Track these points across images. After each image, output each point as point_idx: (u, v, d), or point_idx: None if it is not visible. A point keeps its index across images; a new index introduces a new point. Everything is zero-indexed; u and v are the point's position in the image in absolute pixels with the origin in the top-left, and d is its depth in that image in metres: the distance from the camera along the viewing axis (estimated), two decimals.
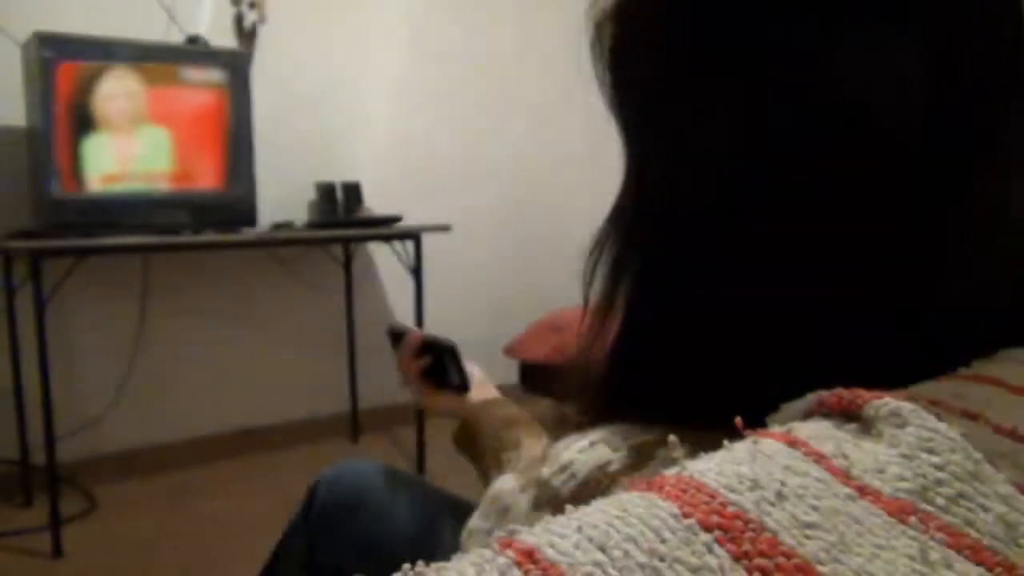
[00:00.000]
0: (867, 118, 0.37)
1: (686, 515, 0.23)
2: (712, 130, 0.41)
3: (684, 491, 0.24)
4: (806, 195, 0.38)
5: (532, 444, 0.89)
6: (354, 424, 3.20)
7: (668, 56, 0.44)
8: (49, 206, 2.26)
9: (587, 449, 0.45)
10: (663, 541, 0.22)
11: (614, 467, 0.43)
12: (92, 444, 2.68)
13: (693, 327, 0.43)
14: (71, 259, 2.38)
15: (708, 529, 0.22)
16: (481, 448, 0.91)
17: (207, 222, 2.51)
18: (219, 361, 2.95)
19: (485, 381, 1.03)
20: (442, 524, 0.90)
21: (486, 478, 0.91)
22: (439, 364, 1.02)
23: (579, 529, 0.23)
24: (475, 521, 0.58)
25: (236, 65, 2.61)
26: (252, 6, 2.91)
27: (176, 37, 2.72)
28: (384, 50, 3.30)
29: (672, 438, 0.28)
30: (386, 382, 3.32)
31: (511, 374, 3.34)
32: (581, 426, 0.50)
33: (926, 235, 0.38)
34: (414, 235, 2.84)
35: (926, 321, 0.39)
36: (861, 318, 0.38)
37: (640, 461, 0.43)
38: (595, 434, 0.46)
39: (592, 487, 0.44)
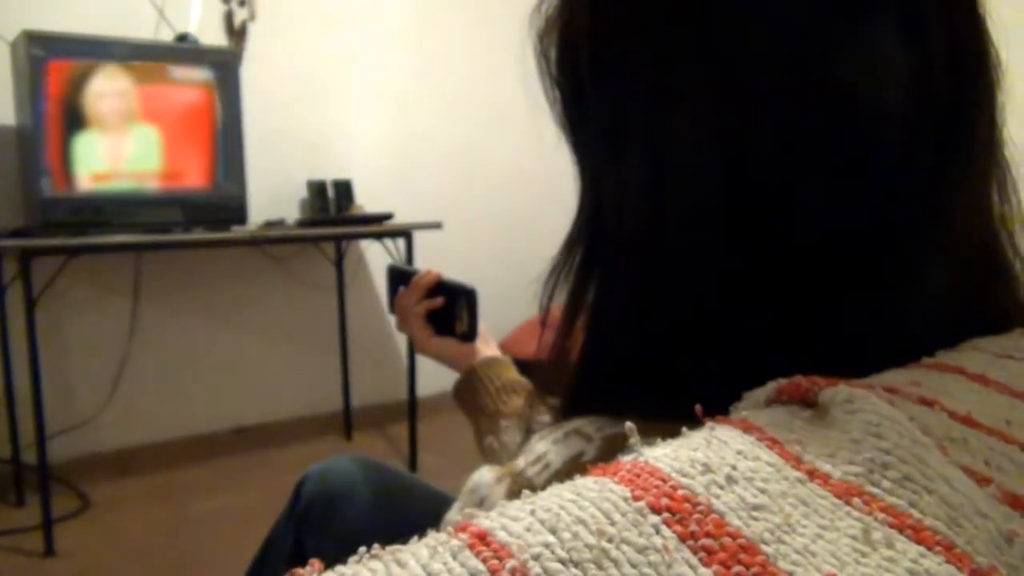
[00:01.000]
0: (847, 118, 0.37)
1: (636, 498, 0.23)
2: (680, 137, 0.40)
3: (638, 475, 0.25)
4: (783, 206, 0.38)
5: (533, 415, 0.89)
6: (347, 422, 3.20)
7: (624, 70, 0.41)
8: (39, 205, 2.25)
9: (561, 440, 0.46)
10: (612, 523, 0.22)
11: (587, 457, 0.44)
12: (84, 443, 2.68)
13: (660, 324, 0.44)
14: (62, 258, 2.38)
15: (657, 511, 0.23)
16: (480, 406, 0.91)
17: (198, 220, 2.51)
18: (212, 359, 2.95)
19: (488, 337, 1.01)
20: (427, 519, 0.90)
21: (481, 437, 0.91)
22: (449, 308, 0.99)
23: (532, 512, 0.23)
24: (453, 513, 0.58)
25: (226, 63, 2.61)
26: (242, 4, 2.91)
27: (166, 35, 2.72)
28: (375, 47, 3.30)
29: (629, 425, 0.29)
30: (379, 380, 3.34)
31: None
32: (556, 418, 0.50)
33: (898, 234, 0.39)
34: (405, 233, 2.84)
35: (895, 317, 0.39)
36: (829, 313, 0.39)
37: (612, 452, 0.43)
38: (569, 425, 0.46)
39: (565, 477, 0.44)
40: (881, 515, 0.23)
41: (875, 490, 0.24)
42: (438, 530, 0.26)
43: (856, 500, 0.24)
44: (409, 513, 0.93)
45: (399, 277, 1.04)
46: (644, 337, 0.44)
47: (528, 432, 0.74)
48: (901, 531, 0.23)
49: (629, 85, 0.41)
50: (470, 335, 0.98)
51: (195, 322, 2.91)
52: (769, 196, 0.38)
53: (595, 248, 0.46)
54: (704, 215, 0.40)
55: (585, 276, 0.47)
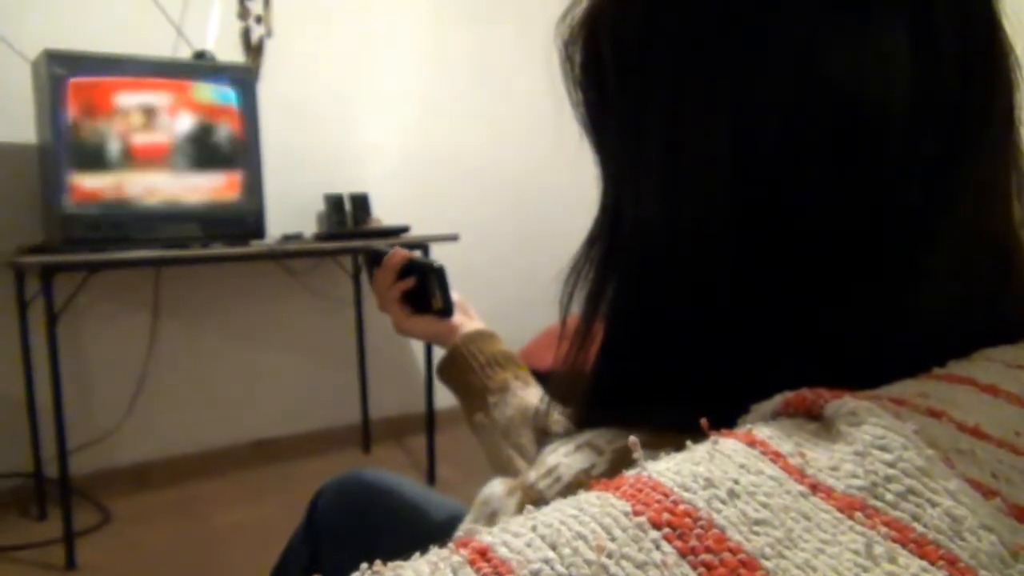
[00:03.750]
0: (854, 121, 0.37)
1: (637, 513, 0.23)
2: (695, 142, 0.40)
3: (640, 490, 0.25)
4: (792, 205, 0.38)
5: (519, 388, 0.89)
6: (365, 434, 3.21)
7: (644, 71, 0.43)
8: (59, 221, 2.28)
9: (572, 453, 0.46)
10: (612, 538, 0.22)
11: (598, 470, 0.44)
12: (105, 457, 2.70)
13: (674, 326, 0.44)
14: (82, 273, 2.40)
15: (658, 526, 0.23)
16: (466, 383, 0.90)
17: (216, 235, 2.53)
18: (230, 373, 2.97)
19: (469, 310, 1.00)
20: (441, 532, 0.90)
21: (470, 414, 0.91)
22: (422, 287, 0.98)
23: (533, 528, 0.23)
24: (464, 526, 0.58)
25: (244, 79, 2.63)
26: (259, 20, 2.94)
27: (184, 52, 2.75)
28: (390, 62, 3.32)
29: (632, 439, 0.29)
30: (397, 392, 3.34)
31: None
32: (568, 431, 0.50)
33: (908, 238, 0.38)
34: (422, 245, 2.85)
35: (906, 325, 0.39)
36: (840, 323, 0.39)
37: (623, 464, 0.43)
38: (580, 438, 0.46)
39: (577, 490, 0.44)
40: (884, 529, 0.23)
41: (878, 504, 0.24)
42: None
43: (858, 514, 0.24)
44: (424, 527, 0.93)
45: (374, 259, 1.02)
46: (659, 339, 0.44)
47: (541, 433, 0.74)
48: (904, 545, 0.23)
49: (648, 87, 0.42)
50: (446, 311, 0.96)
51: (214, 336, 2.93)
52: (777, 198, 0.39)
53: (614, 246, 0.47)
54: (715, 215, 0.40)
55: (604, 275, 0.47)
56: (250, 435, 3.01)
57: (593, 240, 0.48)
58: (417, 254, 1.00)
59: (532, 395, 0.88)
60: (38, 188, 2.45)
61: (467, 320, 0.97)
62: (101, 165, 2.35)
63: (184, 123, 2.50)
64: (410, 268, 0.98)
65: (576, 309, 0.49)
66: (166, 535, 2.40)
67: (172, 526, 2.47)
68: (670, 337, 0.44)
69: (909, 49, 0.37)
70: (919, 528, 0.23)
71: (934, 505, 0.24)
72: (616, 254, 0.47)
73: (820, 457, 0.26)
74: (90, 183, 2.33)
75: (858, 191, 0.38)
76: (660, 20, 0.41)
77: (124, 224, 2.37)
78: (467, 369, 0.91)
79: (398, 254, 0.99)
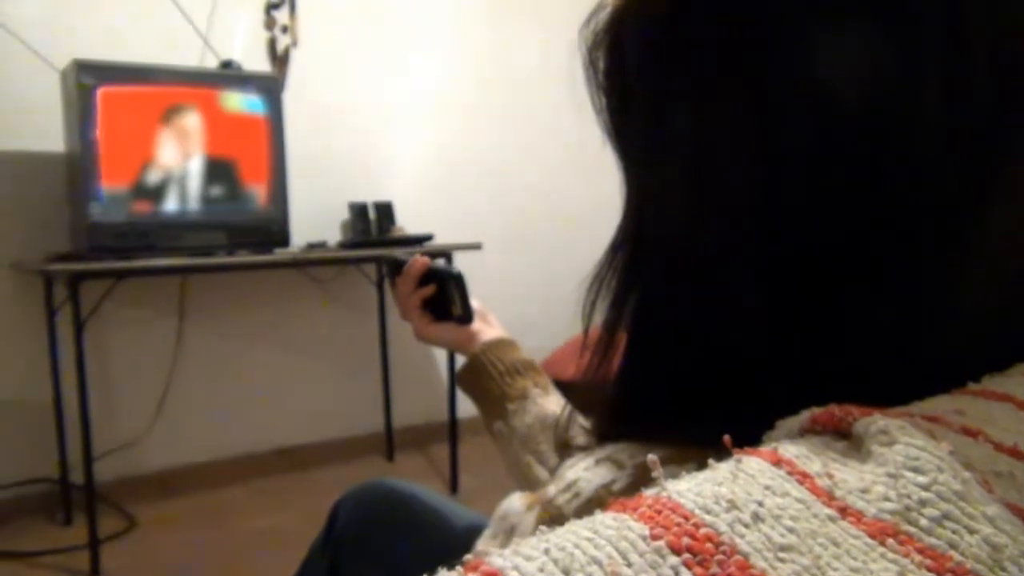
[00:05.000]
0: (883, 127, 0.36)
1: (655, 537, 0.22)
2: (719, 151, 0.40)
3: (658, 512, 0.24)
4: (818, 216, 0.37)
5: (539, 395, 0.88)
6: (388, 443, 3.20)
7: (668, 78, 0.42)
8: (87, 229, 2.30)
9: (592, 467, 0.45)
10: (628, 564, 0.21)
11: (618, 486, 0.43)
12: (130, 463, 2.72)
13: (697, 336, 0.43)
14: (109, 281, 2.42)
15: (677, 552, 0.22)
16: (485, 391, 0.90)
17: (241, 243, 2.54)
18: (255, 381, 2.98)
19: (489, 317, 0.99)
20: (461, 544, 0.89)
21: (489, 422, 0.90)
22: (441, 294, 0.98)
23: (546, 551, 0.22)
24: (483, 540, 0.57)
25: (270, 88, 2.65)
26: (285, 30, 2.96)
27: (211, 62, 2.78)
28: (415, 72, 3.33)
29: (652, 457, 0.27)
30: (420, 400, 3.34)
31: None
32: (590, 444, 0.49)
33: (941, 249, 0.37)
34: (446, 254, 2.85)
35: (938, 337, 0.37)
36: (869, 336, 0.37)
37: (645, 480, 0.42)
38: (601, 452, 0.45)
39: (596, 506, 0.43)
40: (918, 557, 0.22)
41: (912, 529, 0.23)
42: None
43: (891, 540, 0.22)
44: (444, 537, 0.93)
45: (394, 268, 1.02)
46: (682, 351, 0.43)
47: (562, 445, 0.73)
48: (940, 575, 0.21)
49: (672, 94, 0.41)
50: (466, 318, 0.96)
51: (238, 344, 2.94)
52: (804, 208, 0.38)
53: (637, 254, 0.46)
54: (739, 225, 0.39)
55: (627, 282, 0.46)
56: (274, 442, 3.02)
57: (616, 248, 0.47)
58: (440, 262, 1.00)
59: (552, 403, 0.88)
60: (66, 197, 2.48)
61: (487, 328, 0.97)
62: (128, 174, 2.37)
63: (211, 132, 2.51)
64: (430, 276, 0.98)
65: (599, 318, 0.48)
66: (190, 542, 2.41)
67: (196, 533, 2.48)
68: (693, 349, 0.43)
69: (939, 53, 0.36)
70: (956, 557, 0.22)
71: (972, 532, 0.22)
72: (639, 263, 0.46)
73: (849, 478, 0.25)
74: (117, 192, 2.35)
75: (888, 200, 0.36)
76: (685, 26, 0.40)
77: (150, 232, 2.39)
78: (486, 377, 0.90)
79: (418, 262, 0.99)
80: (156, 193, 2.42)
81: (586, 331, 0.49)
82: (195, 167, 2.49)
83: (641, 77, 0.43)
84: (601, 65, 0.46)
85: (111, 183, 2.34)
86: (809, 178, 0.37)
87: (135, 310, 2.72)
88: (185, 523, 2.56)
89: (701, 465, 0.28)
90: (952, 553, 0.22)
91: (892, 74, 0.36)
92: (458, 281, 0.95)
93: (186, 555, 2.32)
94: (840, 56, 0.36)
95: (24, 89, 2.50)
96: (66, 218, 2.48)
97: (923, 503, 0.23)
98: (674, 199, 0.42)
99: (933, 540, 0.22)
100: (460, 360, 0.97)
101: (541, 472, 0.83)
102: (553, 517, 0.46)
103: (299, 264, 2.82)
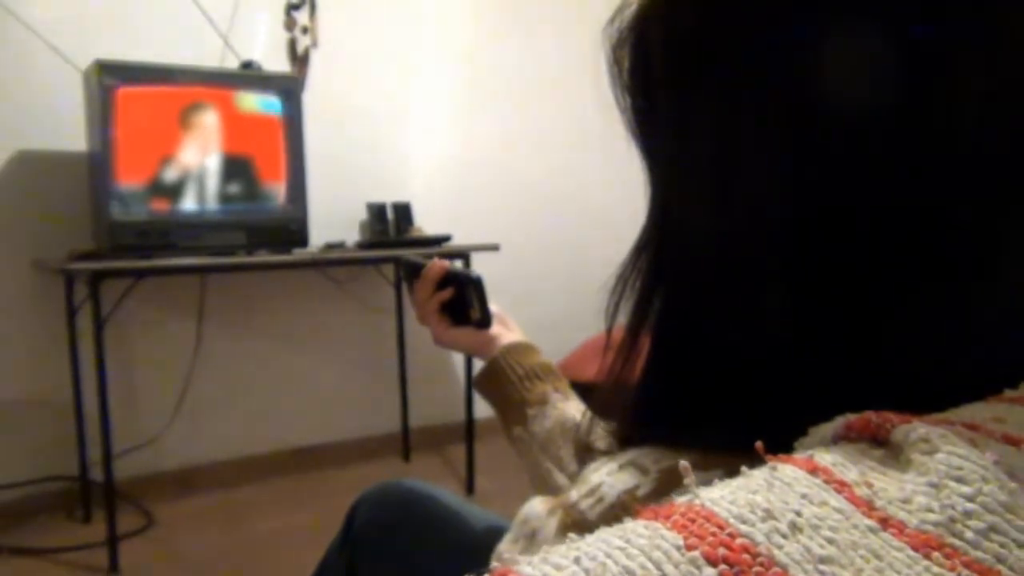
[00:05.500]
0: (915, 129, 0.35)
1: (690, 547, 0.21)
2: (744, 154, 0.39)
3: (692, 521, 0.23)
4: (850, 217, 0.36)
5: (559, 400, 0.87)
6: (405, 443, 3.20)
7: (694, 77, 0.41)
8: (108, 229, 2.32)
9: (616, 472, 0.44)
10: (663, 575, 0.21)
11: (642, 491, 0.42)
12: (149, 462, 2.73)
13: (723, 351, 0.42)
14: (129, 280, 2.44)
15: (713, 563, 0.21)
16: (504, 396, 0.88)
17: (261, 243, 2.55)
18: (273, 380, 2.99)
19: (508, 321, 0.98)
20: (479, 546, 0.89)
21: (508, 427, 0.89)
22: (460, 298, 0.97)
23: (577, 560, 0.22)
24: (504, 544, 0.56)
25: (289, 89, 2.65)
26: (305, 31, 2.97)
27: (231, 63, 2.78)
28: (434, 73, 3.33)
29: (684, 464, 0.27)
30: (437, 401, 3.34)
31: None
32: (612, 448, 0.48)
33: (976, 251, 0.36)
34: (463, 255, 2.85)
35: (974, 341, 0.37)
36: (903, 339, 0.36)
37: (669, 486, 0.41)
38: (625, 457, 0.45)
39: (620, 511, 0.42)
40: (965, 572, 0.21)
41: (957, 542, 0.22)
42: (488, 562, 0.25)
43: (936, 554, 0.21)
44: (463, 538, 0.92)
45: (412, 271, 1.01)
46: (708, 354, 0.42)
47: (584, 449, 0.72)
48: None
49: (698, 93, 0.41)
50: (484, 322, 0.95)
51: (257, 343, 2.95)
52: (835, 210, 0.37)
53: (662, 255, 0.45)
54: (767, 228, 0.38)
55: (651, 285, 0.45)
56: (291, 442, 3.02)
57: (640, 249, 0.46)
58: (458, 264, 0.99)
59: (572, 408, 0.87)
60: (88, 196, 2.49)
61: (506, 332, 0.96)
62: (148, 173, 2.38)
63: (231, 132, 2.52)
64: (448, 279, 0.98)
65: (622, 320, 0.48)
66: (207, 540, 2.42)
67: (213, 531, 2.49)
68: (719, 352, 0.42)
69: (978, 53, 0.35)
70: (1004, 571, 0.21)
71: (1020, 545, 0.22)
72: (663, 264, 0.45)
73: (889, 488, 0.24)
74: (138, 191, 2.36)
75: (921, 201, 0.36)
76: (712, 25, 0.40)
77: (170, 232, 2.40)
78: (505, 381, 0.89)
79: (436, 265, 0.98)
80: (176, 193, 2.43)
81: (609, 331, 0.49)
82: (215, 167, 2.50)
83: (666, 77, 0.42)
84: (626, 64, 0.45)
85: (132, 182, 2.35)
86: (841, 180, 0.36)
87: (155, 309, 2.73)
88: (203, 521, 2.57)
89: (729, 472, 0.27)
90: (1000, 568, 0.21)
91: (917, 81, 0.35)
92: (477, 285, 0.95)
93: (203, 553, 2.33)
94: (864, 63, 0.35)
95: (46, 89, 2.52)
96: (87, 217, 2.49)
97: (968, 515, 0.23)
98: (699, 200, 0.41)
99: (980, 554, 0.22)
100: (479, 362, 0.96)
101: (560, 479, 0.82)
102: (575, 522, 0.45)
103: (318, 264, 2.83)
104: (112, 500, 2.22)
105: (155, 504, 2.63)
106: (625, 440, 0.47)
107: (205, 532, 2.48)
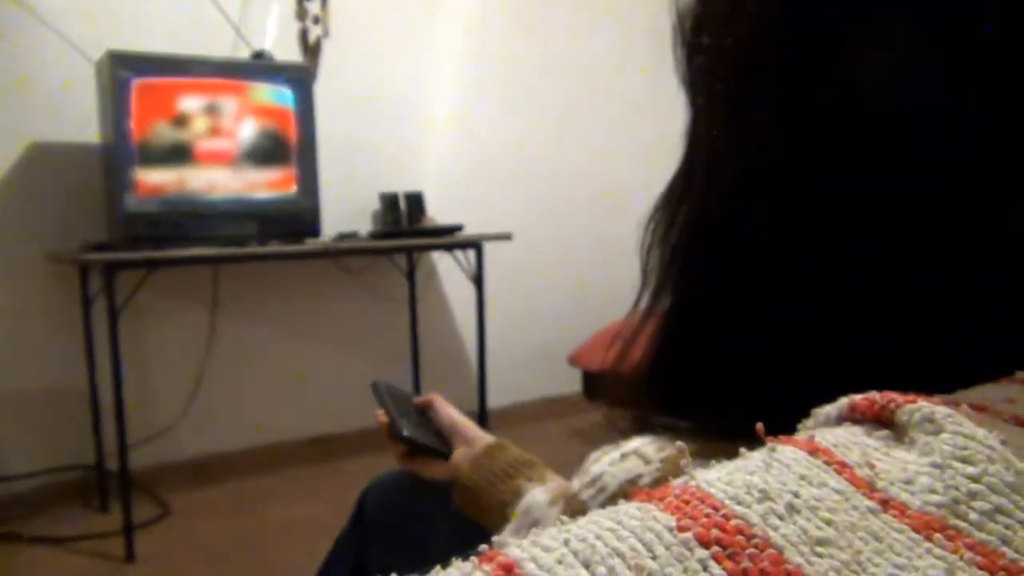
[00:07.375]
0: (924, 122, 0.35)
1: (683, 528, 0.21)
2: (761, 114, 0.39)
3: (686, 502, 0.22)
4: (859, 198, 0.36)
5: (532, 488, 0.84)
6: None
7: (753, 29, 0.40)
8: (122, 219, 2.33)
9: (618, 462, 0.44)
10: (654, 557, 0.20)
11: (645, 481, 0.42)
12: (164, 451, 2.75)
13: (730, 332, 0.41)
14: (143, 270, 2.45)
15: (706, 544, 0.20)
16: (483, 508, 0.87)
17: (273, 233, 2.55)
18: (287, 370, 3.00)
19: (465, 432, 0.96)
20: (488, 534, 0.88)
21: (498, 532, 0.87)
22: (412, 446, 0.98)
23: (566, 542, 0.21)
24: (506, 534, 0.56)
25: (301, 79, 2.65)
26: (316, 21, 2.96)
27: (243, 53, 2.78)
28: (446, 63, 3.32)
29: (680, 444, 0.26)
30: (450, 391, 3.33)
31: (574, 383, 3.31)
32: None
33: (983, 230, 0.36)
34: (476, 244, 2.84)
35: (981, 321, 0.36)
36: (908, 319, 0.36)
37: (672, 475, 0.41)
38: (628, 445, 0.44)
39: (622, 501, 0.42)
40: (968, 554, 0.20)
41: (961, 524, 0.21)
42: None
43: (938, 536, 0.21)
44: (471, 526, 0.92)
45: (379, 396, 1.05)
46: (714, 335, 0.42)
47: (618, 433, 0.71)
48: (992, 573, 0.20)
49: (721, 48, 0.41)
50: (443, 455, 0.95)
51: (270, 333, 2.96)
52: (844, 191, 0.37)
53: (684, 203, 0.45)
54: (776, 191, 0.39)
55: (672, 228, 0.45)
56: (306, 431, 3.03)
57: (670, 198, 0.45)
58: (392, 414, 0.99)
59: (540, 493, 0.83)
60: (101, 187, 2.50)
61: (466, 448, 0.93)
62: (162, 165, 2.39)
63: (243, 123, 2.53)
64: (395, 434, 0.98)
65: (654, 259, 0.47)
66: (223, 529, 2.43)
67: (229, 520, 2.50)
68: (725, 333, 0.41)
69: (985, 63, 0.34)
70: (1010, 554, 0.20)
71: None
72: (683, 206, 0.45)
73: (892, 469, 0.24)
74: (151, 183, 2.37)
75: (928, 183, 0.35)
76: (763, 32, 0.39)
77: (184, 222, 2.41)
78: (479, 492, 0.87)
79: (381, 422, 1.01)
80: (189, 183, 2.44)
81: (644, 272, 0.48)
82: (227, 157, 2.50)
83: (699, 25, 0.43)
84: (689, 23, 0.44)
85: (144, 173, 2.36)
86: (851, 160, 0.36)
87: (169, 299, 2.74)
88: (218, 510, 2.58)
89: (730, 459, 0.27)
90: (1005, 550, 0.20)
91: (936, 80, 0.35)
92: (410, 442, 0.96)
93: (219, 542, 2.35)
94: (887, 58, 0.35)
95: (59, 79, 2.53)
96: (101, 208, 2.50)
97: (972, 495, 0.22)
98: (716, 156, 0.42)
99: (984, 536, 0.21)
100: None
101: None
102: (577, 512, 0.45)
103: (330, 254, 2.83)
104: (128, 489, 2.24)
105: (171, 493, 2.65)
106: (635, 406, 0.47)
107: (220, 521, 2.50)
